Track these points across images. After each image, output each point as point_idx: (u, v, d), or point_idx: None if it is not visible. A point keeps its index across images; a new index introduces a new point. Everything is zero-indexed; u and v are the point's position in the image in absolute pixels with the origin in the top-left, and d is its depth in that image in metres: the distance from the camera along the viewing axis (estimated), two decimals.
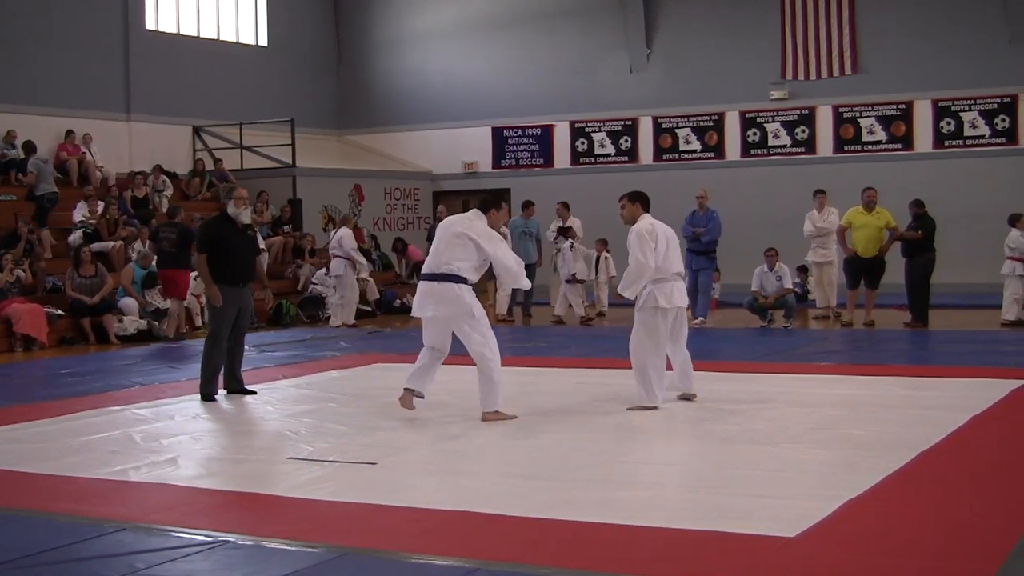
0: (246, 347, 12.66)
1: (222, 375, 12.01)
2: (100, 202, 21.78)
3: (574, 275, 20.48)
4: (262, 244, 23.16)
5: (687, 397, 11.01)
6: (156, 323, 19.13)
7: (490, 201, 10.61)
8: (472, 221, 10.41)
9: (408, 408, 10.44)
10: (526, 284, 10.90)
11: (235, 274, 11.85)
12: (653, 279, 10.59)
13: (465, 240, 10.21)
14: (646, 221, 10.75)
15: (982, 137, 24.86)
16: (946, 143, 25.13)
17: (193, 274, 18.46)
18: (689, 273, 18.97)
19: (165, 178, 24.66)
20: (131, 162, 25.14)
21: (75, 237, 20.93)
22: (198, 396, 11.77)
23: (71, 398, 12.14)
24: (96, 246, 20.31)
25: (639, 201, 10.92)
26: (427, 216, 28.21)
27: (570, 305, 20.77)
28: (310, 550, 6.32)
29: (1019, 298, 18.28)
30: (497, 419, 10.11)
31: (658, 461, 8.50)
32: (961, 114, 24.97)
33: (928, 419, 9.74)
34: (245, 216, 12.04)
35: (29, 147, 22.54)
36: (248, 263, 12.11)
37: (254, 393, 11.98)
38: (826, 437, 9.19)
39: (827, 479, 7.71)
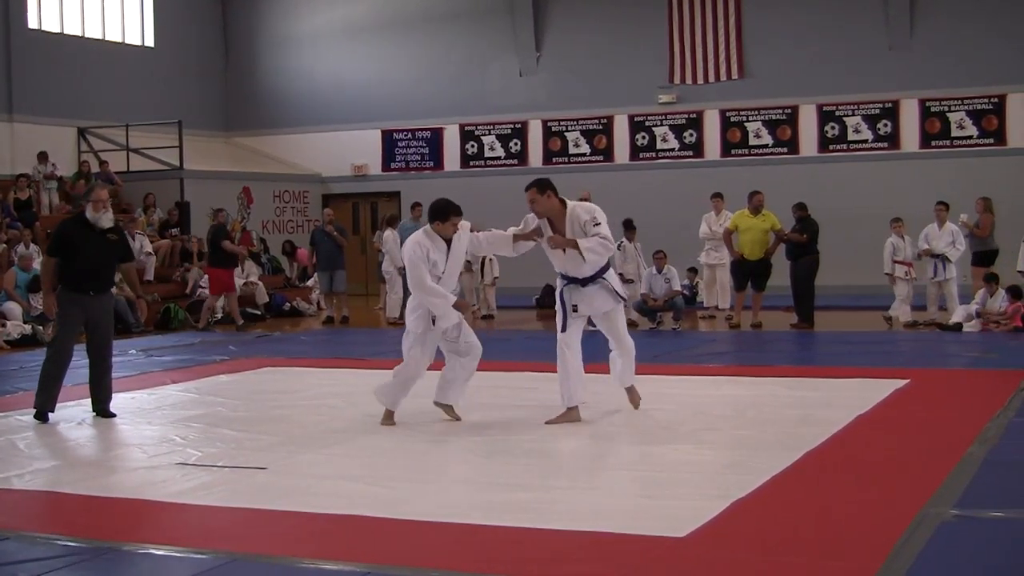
0: (138, 353, 12.43)
1: (90, 395, 11.16)
2: None
3: (621, 274, 19.57)
4: (148, 248, 22.92)
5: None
6: (40, 327, 18.79)
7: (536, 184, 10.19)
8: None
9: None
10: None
11: (83, 282, 10.85)
12: None
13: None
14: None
15: (865, 141, 25.34)
16: (830, 147, 25.57)
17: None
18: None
19: (54, 164, 24.30)
20: (13, 164, 24.66)
21: None
22: (84, 402, 11.55)
23: None
24: None
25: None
26: (317, 219, 28.06)
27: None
28: (199, 556, 6.24)
29: (906, 299, 18.66)
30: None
31: (546, 463, 8.53)
32: (845, 119, 25.43)
33: (814, 419, 9.89)
34: (105, 220, 11.00)
35: None
36: (103, 271, 11.07)
37: (113, 415, 10.98)
38: (714, 438, 9.29)
39: (715, 479, 7.79)
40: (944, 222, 18.65)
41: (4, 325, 18.58)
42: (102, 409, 11.04)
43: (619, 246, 18.99)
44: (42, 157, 24.48)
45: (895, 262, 18.74)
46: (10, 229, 21.20)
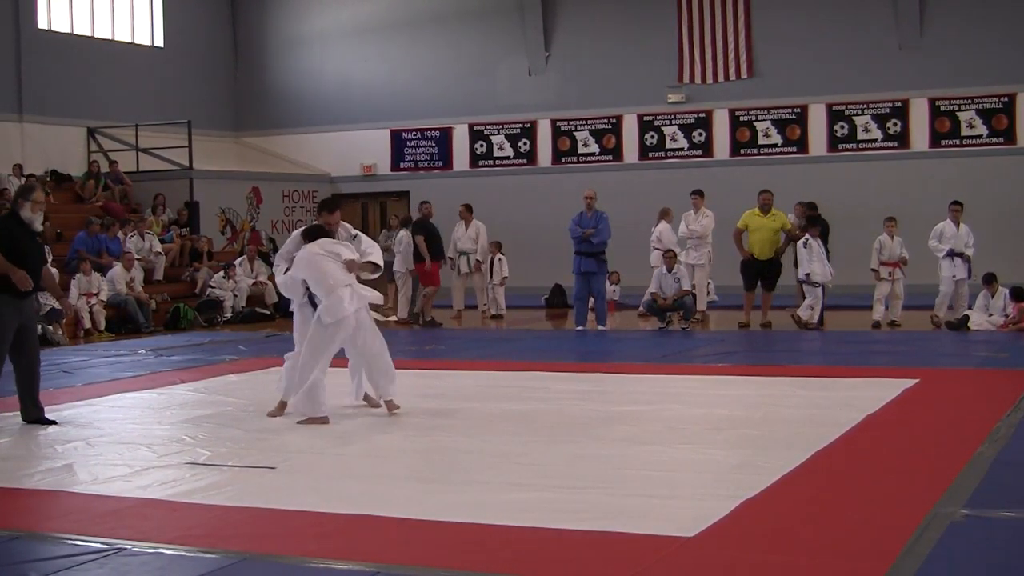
0: (147, 353, 12.41)
1: (20, 403, 10.62)
2: None
3: (807, 275, 18.36)
4: (158, 248, 22.99)
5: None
6: (50, 327, 18.83)
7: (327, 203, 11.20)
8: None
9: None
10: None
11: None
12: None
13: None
14: None
15: (874, 141, 25.30)
16: (840, 147, 25.54)
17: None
18: (577, 277, 18.96)
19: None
20: (23, 164, 24.66)
21: None
22: (93, 403, 11.55)
23: None
24: None
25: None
26: None
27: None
28: (209, 556, 6.25)
29: (880, 299, 18.64)
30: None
31: (555, 462, 8.51)
32: (854, 118, 25.40)
33: (823, 419, 9.87)
34: (38, 223, 10.62)
35: None
36: (38, 272, 10.56)
37: (55, 423, 10.50)
38: (722, 438, 9.28)
39: (724, 479, 7.78)
40: (959, 222, 18.53)
41: None
42: (40, 416, 10.55)
43: (804, 243, 18.34)
44: (17, 169, 24.05)
45: (881, 263, 18.72)
46: None
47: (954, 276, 18.37)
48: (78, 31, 27.00)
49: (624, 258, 22.30)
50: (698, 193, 20.57)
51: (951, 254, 18.35)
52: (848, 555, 6.01)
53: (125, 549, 6.43)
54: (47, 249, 19.81)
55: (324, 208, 11.12)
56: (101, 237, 22.00)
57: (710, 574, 5.83)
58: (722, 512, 6.78)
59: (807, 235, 18.29)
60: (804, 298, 18.51)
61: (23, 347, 10.44)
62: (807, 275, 18.19)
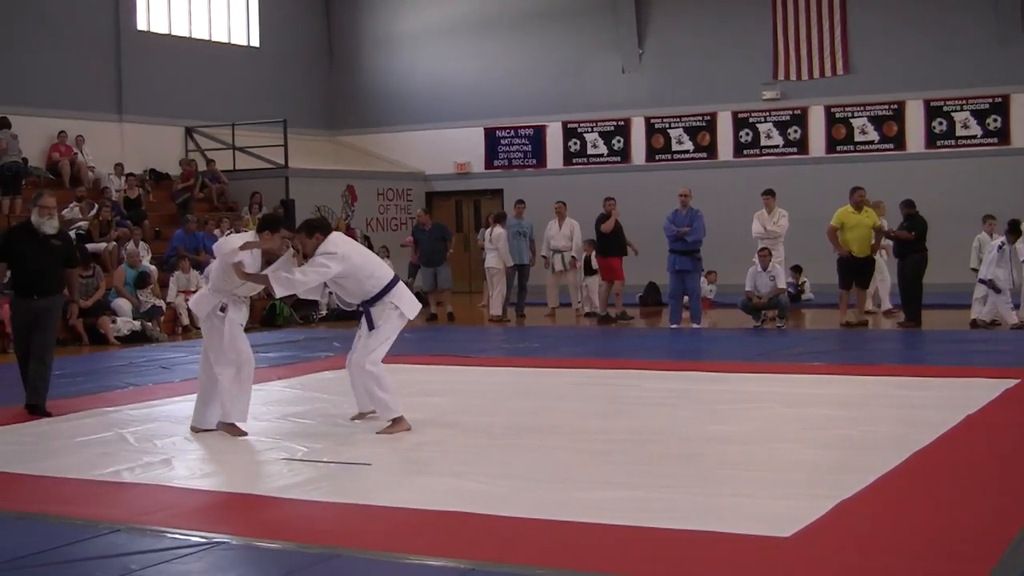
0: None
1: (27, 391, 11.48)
2: (95, 204, 21.70)
3: (991, 280, 17.72)
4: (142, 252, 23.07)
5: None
6: (149, 323, 19.11)
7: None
8: None
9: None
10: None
11: (27, 286, 11.35)
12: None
13: None
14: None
15: (974, 137, 24.91)
16: (938, 143, 25.18)
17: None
18: (671, 276, 18.91)
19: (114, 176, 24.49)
20: (123, 163, 25.04)
21: None
22: (190, 398, 11.68)
23: (64, 399, 12.04)
24: (88, 247, 20.23)
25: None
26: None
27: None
28: (304, 551, 6.31)
29: (982, 299, 18.28)
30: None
31: (648, 461, 8.47)
32: (953, 114, 25.03)
33: (921, 419, 9.75)
34: (49, 227, 11.38)
35: (3, 123, 22.05)
36: (46, 275, 11.42)
37: (49, 415, 11.19)
38: (819, 437, 9.20)
39: (820, 479, 7.71)
40: (992, 234, 18.24)
41: (114, 322, 18.90)
42: (33, 405, 11.31)
43: (1000, 247, 17.86)
44: (118, 168, 24.54)
45: (980, 261, 18.39)
46: (119, 227, 21.55)
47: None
48: (176, 32, 27.36)
49: (720, 256, 22.19)
50: (770, 193, 20.26)
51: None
52: (947, 558, 5.93)
53: (223, 543, 6.51)
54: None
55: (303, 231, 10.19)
56: (198, 235, 22.26)
57: (805, 575, 5.77)
58: (818, 512, 6.71)
59: (1002, 239, 17.90)
60: (903, 299, 18.35)
61: (31, 343, 11.35)
62: (990, 279, 17.84)
